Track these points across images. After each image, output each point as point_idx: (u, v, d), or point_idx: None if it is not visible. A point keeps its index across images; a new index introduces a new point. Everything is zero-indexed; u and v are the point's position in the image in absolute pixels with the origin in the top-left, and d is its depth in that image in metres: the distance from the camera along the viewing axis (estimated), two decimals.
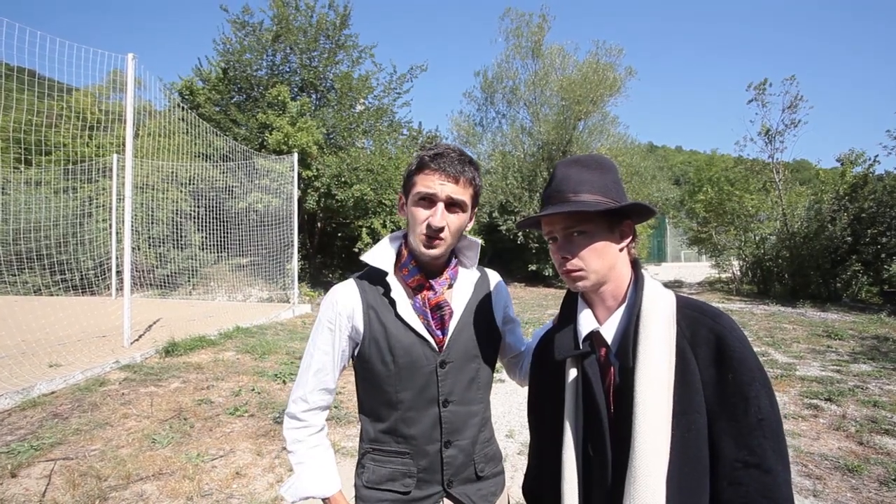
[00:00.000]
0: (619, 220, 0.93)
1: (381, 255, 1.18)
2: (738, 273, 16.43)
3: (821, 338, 7.25)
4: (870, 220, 11.68)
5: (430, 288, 1.15)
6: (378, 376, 1.15)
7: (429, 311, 1.14)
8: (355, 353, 1.19)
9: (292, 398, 1.17)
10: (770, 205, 14.79)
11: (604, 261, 0.91)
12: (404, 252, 1.18)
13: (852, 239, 11.87)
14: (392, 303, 1.14)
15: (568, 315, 1.00)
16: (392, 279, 1.15)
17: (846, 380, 5.04)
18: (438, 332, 1.15)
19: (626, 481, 0.81)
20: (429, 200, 1.08)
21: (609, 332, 0.92)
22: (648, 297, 0.90)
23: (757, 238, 15.17)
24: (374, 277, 1.18)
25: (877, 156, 12.61)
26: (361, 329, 1.14)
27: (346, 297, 1.16)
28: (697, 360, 0.84)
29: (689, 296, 0.97)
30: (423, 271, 1.15)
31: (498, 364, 1.36)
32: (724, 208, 15.82)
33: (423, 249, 1.10)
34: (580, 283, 0.92)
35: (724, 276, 17.48)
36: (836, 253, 12.13)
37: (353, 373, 1.25)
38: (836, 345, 6.77)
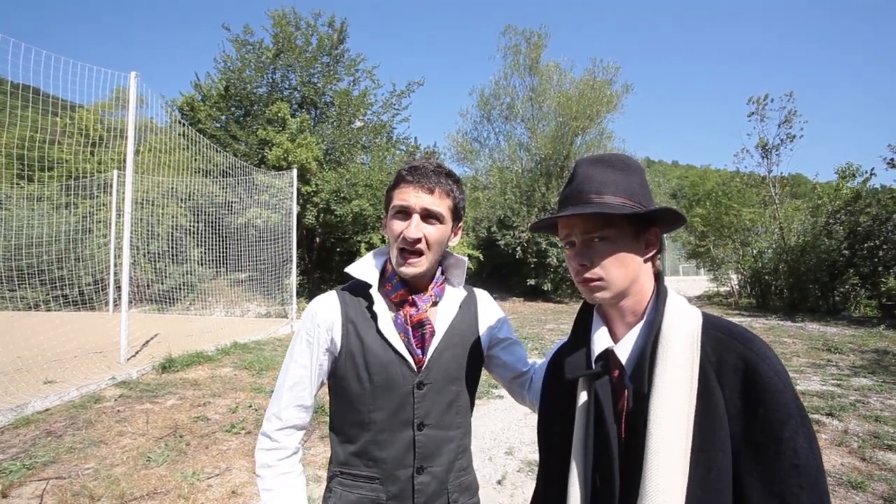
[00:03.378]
0: (646, 228, 0.84)
1: (366, 267, 1.15)
2: (737, 287, 16.46)
3: (820, 352, 7.23)
4: (866, 234, 11.76)
5: (413, 304, 1.11)
6: (352, 394, 1.10)
7: (410, 329, 1.09)
8: (331, 369, 1.14)
9: (267, 415, 1.12)
10: (767, 218, 14.90)
11: (626, 271, 0.82)
12: (389, 266, 1.15)
13: (849, 252, 11.94)
14: (374, 317, 1.10)
15: (581, 330, 0.92)
16: (375, 293, 1.11)
17: (847, 394, 5.01)
18: (418, 352, 1.10)
19: None
20: (405, 213, 1.07)
21: (624, 351, 0.84)
22: (670, 314, 0.81)
23: (755, 252, 15.24)
24: (358, 290, 1.14)
25: (872, 169, 12.73)
26: (339, 343, 1.10)
27: (325, 309, 1.12)
28: (723, 389, 0.74)
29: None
30: (406, 286, 1.12)
31: (494, 381, 1.32)
32: (722, 222, 15.92)
33: (400, 267, 1.07)
34: (598, 295, 0.83)
35: (722, 289, 17.51)
36: (834, 266, 12.19)
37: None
38: (836, 359, 6.74)
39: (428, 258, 1.08)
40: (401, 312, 1.11)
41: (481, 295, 1.29)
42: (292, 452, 1.11)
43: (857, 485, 3.08)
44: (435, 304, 1.15)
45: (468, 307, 1.22)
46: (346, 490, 1.10)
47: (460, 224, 1.18)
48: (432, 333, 1.11)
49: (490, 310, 1.26)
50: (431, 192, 1.06)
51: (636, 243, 0.83)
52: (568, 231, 0.87)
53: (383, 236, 12.46)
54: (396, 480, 1.09)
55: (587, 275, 0.83)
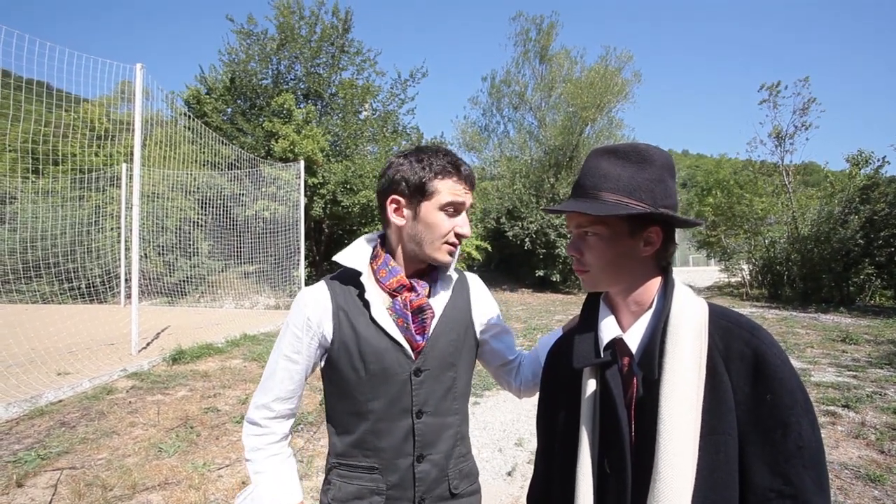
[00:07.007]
0: (644, 227, 0.83)
1: (354, 254, 1.13)
2: (748, 277, 16.23)
3: (835, 342, 7.11)
4: (882, 223, 11.51)
5: (412, 289, 1.09)
6: (348, 384, 1.08)
7: (409, 314, 1.07)
8: (324, 359, 1.12)
9: (254, 404, 1.10)
10: (780, 208, 14.65)
11: (614, 268, 0.84)
12: (381, 252, 1.12)
13: (864, 242, 11.70)
14: (366, 305, 1.08)
15: (588, 320, 0.93)
16: (366, 280, 1.09)
17: (864, 385, 4.92)
18: (418, 338, 1.08)
19: None
20: (454, 208, 1.07)
21: (633, 339, 0.85)
22: (677, 304, 0.82)
23: (766, 241, 15.01)
24: (348, 278, 1.12)
25: (885, 157, 12.51)
26: (330, 333, 1.08)
27: (314, 299, 1.10)
28: (731, 376, 0.77)
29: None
30: (403, 271, 1.11)
31: None
32: (734, 211, 15.68)
33: (448, 259, 1.09)
34: (586, 285, 0.89)
35: (733, 280, 17.28)
36: (849, 256, 11.97)
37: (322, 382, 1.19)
38: (851, 349, 6.63)
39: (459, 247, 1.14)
40: (398, 298, 1.09)
41: (473, 280, 1.26)
42: (281, 437, 1.11)
43: (875, 478, 3.01)
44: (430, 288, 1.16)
45: (461, 291, 1.20)
46: (345, 482, 1.09)
47: None
48: (433, 317, 1.10)
49: (482, 295, 1.25)
50: (473, 189, 1.11)
51: (631, 241, 0.83)
52: (568, 221, 0.90)
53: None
54: (396, 469, 1.08)
55: (576, 265, 0.88)
